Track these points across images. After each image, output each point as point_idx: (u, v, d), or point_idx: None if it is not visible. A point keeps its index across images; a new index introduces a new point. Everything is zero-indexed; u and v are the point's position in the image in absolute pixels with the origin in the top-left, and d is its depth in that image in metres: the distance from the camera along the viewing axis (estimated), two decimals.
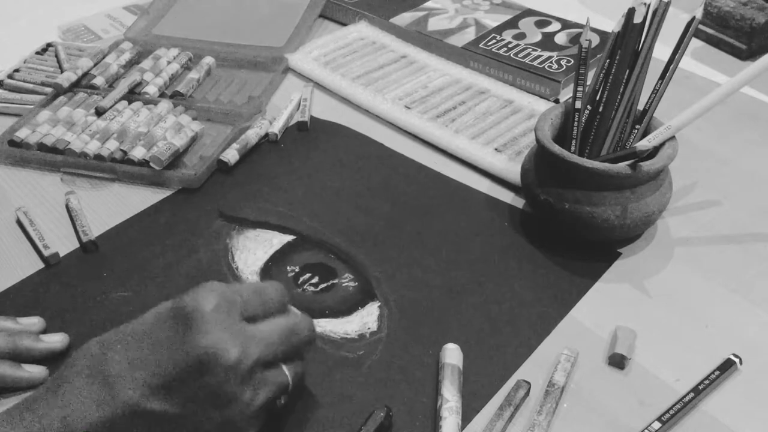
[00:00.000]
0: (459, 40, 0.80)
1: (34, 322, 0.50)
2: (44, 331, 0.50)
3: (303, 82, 0.78)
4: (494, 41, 0.80)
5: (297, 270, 0.55)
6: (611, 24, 0.55)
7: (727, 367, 0.46)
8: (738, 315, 0.51)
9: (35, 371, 0.47)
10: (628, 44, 0.52)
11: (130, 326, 0.39)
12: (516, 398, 0.44)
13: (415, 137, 0.69)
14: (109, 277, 0.55)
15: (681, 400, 0.44)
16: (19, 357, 0.47)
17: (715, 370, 0.46)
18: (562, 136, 0.57)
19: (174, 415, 0.37)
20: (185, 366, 0.36)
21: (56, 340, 0.49)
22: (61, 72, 0.77)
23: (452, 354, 0.47)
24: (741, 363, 0.46)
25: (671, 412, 0.43)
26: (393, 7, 0.88)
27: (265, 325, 0.40)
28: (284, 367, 0.41)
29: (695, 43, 0.84)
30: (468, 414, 0.44)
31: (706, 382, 0.45)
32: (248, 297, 0.40)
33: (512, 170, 0.62)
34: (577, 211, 0.53)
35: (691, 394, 0.44)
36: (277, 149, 0.68)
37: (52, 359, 0.48)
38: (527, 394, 0.45)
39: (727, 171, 0.64)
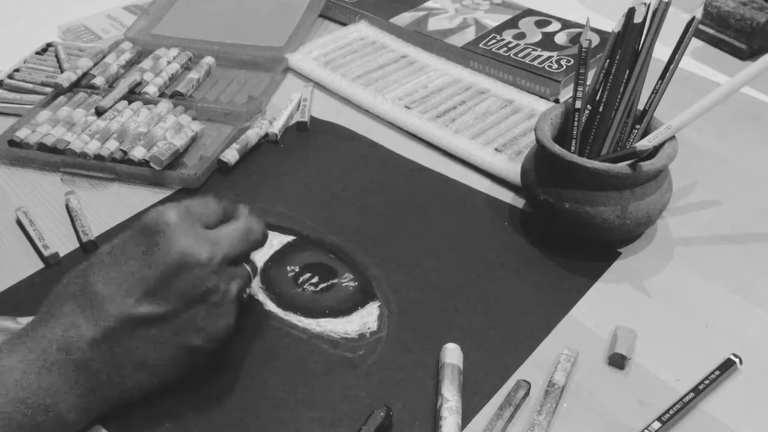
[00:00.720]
0: (459, 40, 0.80)
1: None
2: None
3: (303, 82, 0.78)
4: (494, 41, 0.80)
5: (297, 270, 0.55)
6: (611, 24, 0.55)
7: (727, 367, 0.46)
8: (738, 315, 0.51)
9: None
10: (628, 44, 0.52)
11: (101, 253, 0.44)
12: (516, 398, 0.44)
13: (415, 137, 0.69)
14: None
15: (681, 400, 0.44)
16: None
17: (715, 370, 0.46)
18: (562, 136, 0.57)
19: (165, 314, 0.42)
20: (165, 269, 0.41)
21: None
22: (61, 72, 0.77)
23: (452, 354, 0.47)
24: (741, 363, 0.46)
25: (671, 412, 0.43)
26: (393, 7, 0.88)
27: (223, 229, 0.46)
28: (245, 264, 0.48)
29: (695, 43, 0.84)
30: (468, 414, 0.44)
31: (706, 382, 0.45)
32: (200, 209, 0.46)
33: (512, 170, 0.62)
34: (577, 211, 0.53)
35: (691, 394, 0.44)
36: (277, 149, 0.68)
37: None
38: (527, 394, 0.45)
39: (727, 171, 0.64)
